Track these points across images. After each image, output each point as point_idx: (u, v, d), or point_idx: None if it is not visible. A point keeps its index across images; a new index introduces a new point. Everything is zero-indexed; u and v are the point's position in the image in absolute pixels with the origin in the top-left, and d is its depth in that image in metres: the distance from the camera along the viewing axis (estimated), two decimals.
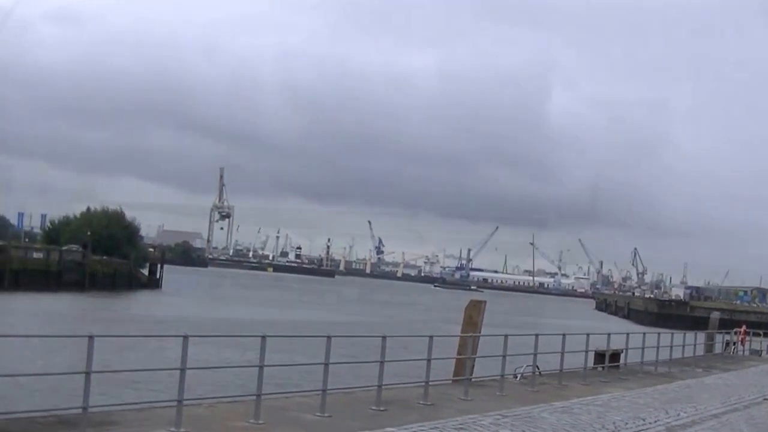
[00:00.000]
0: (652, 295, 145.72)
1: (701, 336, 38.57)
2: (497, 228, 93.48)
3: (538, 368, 22.17)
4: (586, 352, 24.13)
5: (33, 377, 21.67)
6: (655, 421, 17.02)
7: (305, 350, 29.24)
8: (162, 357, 26.44)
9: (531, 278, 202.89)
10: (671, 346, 31.10)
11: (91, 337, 11.31)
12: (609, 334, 26.27)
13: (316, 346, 17.05)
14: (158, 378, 20.64)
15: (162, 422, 12.50)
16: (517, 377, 22.02)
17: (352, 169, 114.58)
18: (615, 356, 26.83)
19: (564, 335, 22.91)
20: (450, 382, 20.31)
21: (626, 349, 27.93)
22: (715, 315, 47.17)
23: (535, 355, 21.69)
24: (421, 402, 16.75)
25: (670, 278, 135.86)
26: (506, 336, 20.04)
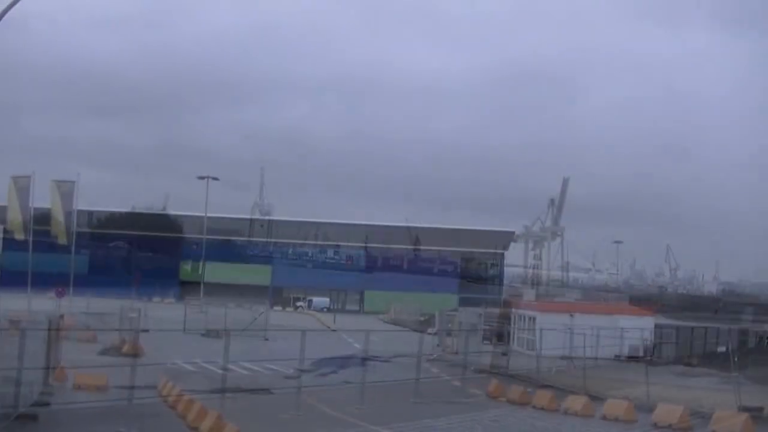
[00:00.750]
0: (684, 291, 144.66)
1: (734, 331, 38.42)
2: (531, 225, 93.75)
3: (572, 362, 22.38)
4: (620, 347, 24.28)
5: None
6: (690, 414, 17.08)
7: (340, 346, 29.52)
8: (205, 350, 26.78)
9: (564, 274, 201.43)
10: (705, 342, 31.08)
11: (137, 332, 11.75)
12: (642, 329, 26.37)
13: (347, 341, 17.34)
14: (200, 369, 20.94)
15: (204, 412, 12.85)
16: (551, 371, 22.23)
17: (388, 168, 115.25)
18: (648, 350, 26.92)
19: (597, 330, 23.07)
20: (485, 375, 20.57)
21: (659, 344, 28.00)
22: (748, 310, 46.90)
23: (569, 349, 21.89)
24: (457, 395, 17.01)
25: (703, 275, 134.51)
26: (540, 330, 20.29)
